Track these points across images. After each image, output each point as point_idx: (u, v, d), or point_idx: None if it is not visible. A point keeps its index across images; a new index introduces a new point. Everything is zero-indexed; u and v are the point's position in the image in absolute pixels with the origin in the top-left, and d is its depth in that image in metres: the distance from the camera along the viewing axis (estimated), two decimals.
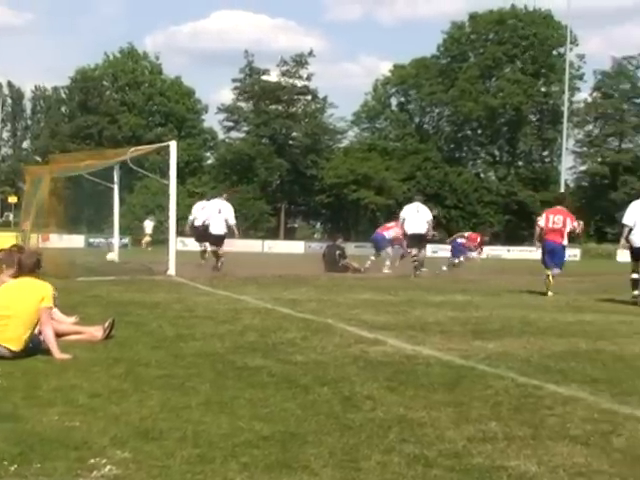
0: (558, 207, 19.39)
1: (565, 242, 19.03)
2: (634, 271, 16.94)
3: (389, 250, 27.52)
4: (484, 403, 6.26)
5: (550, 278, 18.49)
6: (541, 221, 19.15)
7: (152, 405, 5.94)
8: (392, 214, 41.50)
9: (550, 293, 18.18)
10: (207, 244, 25.39)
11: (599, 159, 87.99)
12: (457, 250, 29.50)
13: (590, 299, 17.37)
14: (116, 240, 29.19)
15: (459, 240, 29.07)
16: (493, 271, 27.77)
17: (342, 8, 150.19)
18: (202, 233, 25.64)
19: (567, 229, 18.88)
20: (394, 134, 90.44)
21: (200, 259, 26.09)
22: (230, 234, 24.90)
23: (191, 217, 26.84)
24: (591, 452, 4.99)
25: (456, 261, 29.46)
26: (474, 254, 30.21)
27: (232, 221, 24.80)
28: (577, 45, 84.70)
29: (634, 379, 7.46)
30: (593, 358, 8.65)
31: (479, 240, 29.72)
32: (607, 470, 4.66)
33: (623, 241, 17.46)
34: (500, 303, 15.62)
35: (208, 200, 26.72)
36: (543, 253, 19.23)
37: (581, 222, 19.25)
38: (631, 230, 16.97)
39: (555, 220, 18.86)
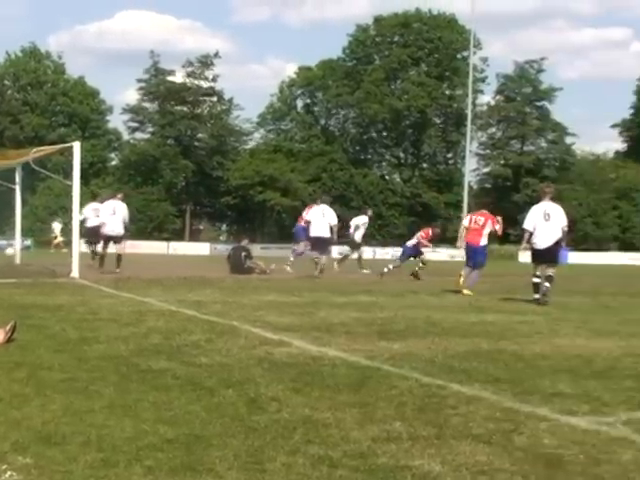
0: (483, 210, 20.87)
1: (483, 242, 20.02)
2: (535, 275, 17.37)
3: (298, 247, 27.74)
4: (389, 403, 6.30)
5: (461, 277, 19.52)
6: (465, 221, 20.87)
7: (54, 409, 5.85)
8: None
9: (466, 291, 19.07)
10: (99, 245, 25.30)
11: (502, 161, 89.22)
12: (404, 253, 29.04)
13: (492, 299, 17.61)
14: (18, 242, 28.73)
15: (409, 243, 28.73)
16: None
17: (249, 10, 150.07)
18: (94, 234, 25.55)
19: (487, 230, 19.93)
20: (300, 136, 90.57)
21: (90, 260, 25.90)
22: (125, 234, 24.84)
23: (81, 217, 26.58)
24: (493, 450, 5.06)
25: (398, 264, 29.47)
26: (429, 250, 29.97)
27: (126, 220, 24.77)
28: (481, 49, 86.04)
29: (535, 378, 7.58)
30: (495, 358, 8.77)
31: (430, 234, 29.15)
32: (509, 468, 4.72)
33: (525, 244, 17.96)
34: (404, 304, 15.74)
35: (102, 202, 26.45)
36: (466, 254, 20.55)
37: (499, 223, 20.11)
38: (532, 234, 17.44)
39: (476, 220, 20.12)
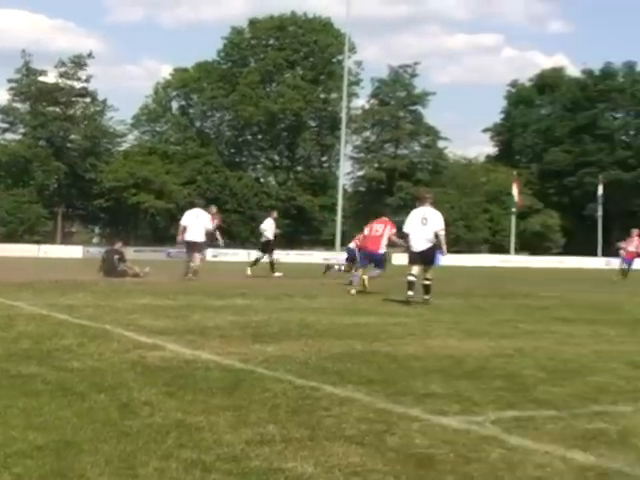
0: (383, 218, 21.75)
1: (382, 250, 21.05)
2: (410, 274, 17.75)
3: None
4: (262, 406, 6.30)
5: (365, 279, 20.98)
6: (366, 230, 21.63)
7: None
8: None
9: (353, 291, 20.17)
10: None
11: (376, 165, 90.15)
12: (348, 256, 28.69)
13: (366, 301, 17.77)
14: None
15: (351, 245, 28.38)
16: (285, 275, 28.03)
17: (123, 10, 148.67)
18: None
19: (385, 238, 20.74)
20: (175, 138, 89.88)
21: None
22: None
23: None
24: (366, 451, 5.09)
25: (342, 267, 29.33)
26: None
27: None
28: (355, 53, 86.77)
29: (407, 379, 7.66)
30: (369, 359, 8.84)
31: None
32: (381, 469, 4.76)
33: (404, 245, 18.84)
34: (279, 307, 15.75)
35: None
36: (362, 258, 22.09)
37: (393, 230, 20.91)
38: (409, 237, 18.17)
39: (377, 228, 21.02)
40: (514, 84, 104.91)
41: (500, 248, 78.64)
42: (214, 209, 28.68)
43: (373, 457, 4.98)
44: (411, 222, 18.21)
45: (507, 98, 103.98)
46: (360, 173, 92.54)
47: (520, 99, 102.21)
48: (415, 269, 17.85)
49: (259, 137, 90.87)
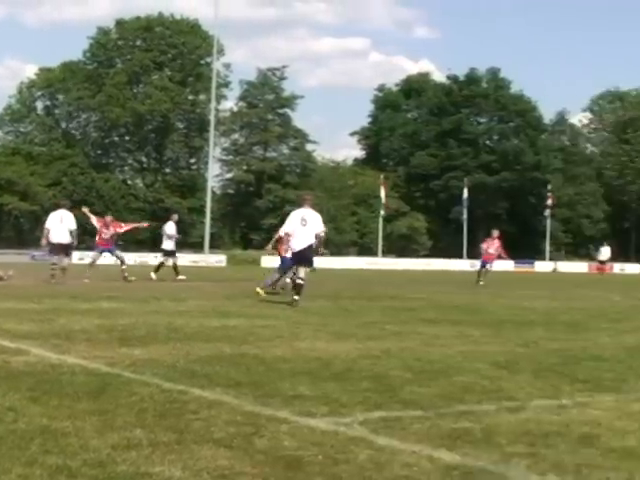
0: None
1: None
2: (295, 275, 18.51)
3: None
4: (129, 410, 6.23)
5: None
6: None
7: None
8: None
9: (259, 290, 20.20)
10: None
11: (245, 167, 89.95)
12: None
13: (235, 304, 17.77)
14: None
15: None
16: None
17: None
18: None
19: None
20: (40, 138, 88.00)
21: None
22: None
23: None
24: (234, 454, 5.09)
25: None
26: None
27: None
28: (224, 55, 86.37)
29: (276, 381, 7.69)
30: (237, 362, 8.84)
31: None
32: (250, 471, 4.77)
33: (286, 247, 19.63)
34: (147, 310, 15.62)
35: None
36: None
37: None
38: (290, 237, 18.90)
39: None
40: (381, 88, 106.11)
41: (368, 250, 79.44)
42: (109, 218, 28.51)
43: (241, 460, 4.98)
44: (292, 223, 18.79)
45: (374, 102, 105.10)
46: (229, 175, 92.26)
47: (387, 103, 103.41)
48: (296, 270, 18.58)
49: (126, 138, 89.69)
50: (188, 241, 65.42)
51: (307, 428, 5.86)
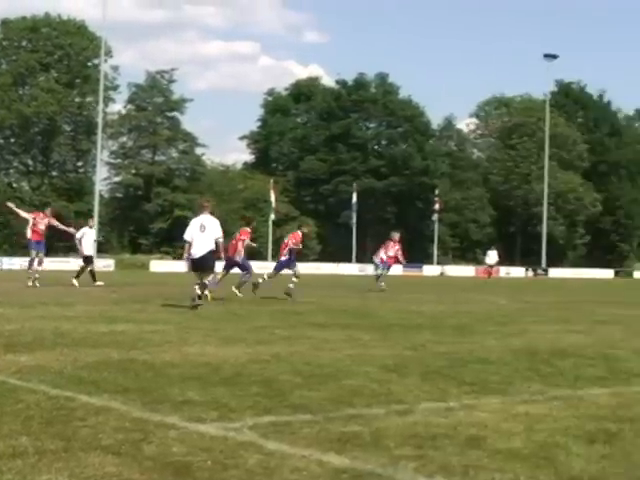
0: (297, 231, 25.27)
1: (285, 257, 24.59)
2: (197, 283, 18.53)
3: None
4: (15, 418, 6.13)
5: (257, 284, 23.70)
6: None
7: None
8: None
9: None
10: None
11: (133, 171, 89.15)
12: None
13: (123, 309, 17.59)
14: None
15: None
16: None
17: None
18: None
19: (288, 247, 24.53)
20: None
21: None
22: None
23: None
24: (123, 461, 5.05)
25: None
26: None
27: None
28: (112, 57, 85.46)
29: (164, 387, 7.64)
30: (126, 368, 8.76)
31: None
32: (138, 478, 4.74)
33: (186, 254, 19.23)
34: (33, 315, 15.37)
35: None
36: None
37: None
38: (191, 244, 18.89)
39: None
40: (271, 92, 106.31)
41: (258, 255, 79.42)
42: (48, 211, 28.18)
43: (130, 466, 4.94)
44: (191, 230, 18.94)
45: (264, 106, 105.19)
46: (117, 179, 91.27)
47: (277, 107, 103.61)
48: (197, 276, 18.77)
49: (12, 141, 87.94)
50: (75, 245, 64.55)
51: (196, 433, 5.84)
